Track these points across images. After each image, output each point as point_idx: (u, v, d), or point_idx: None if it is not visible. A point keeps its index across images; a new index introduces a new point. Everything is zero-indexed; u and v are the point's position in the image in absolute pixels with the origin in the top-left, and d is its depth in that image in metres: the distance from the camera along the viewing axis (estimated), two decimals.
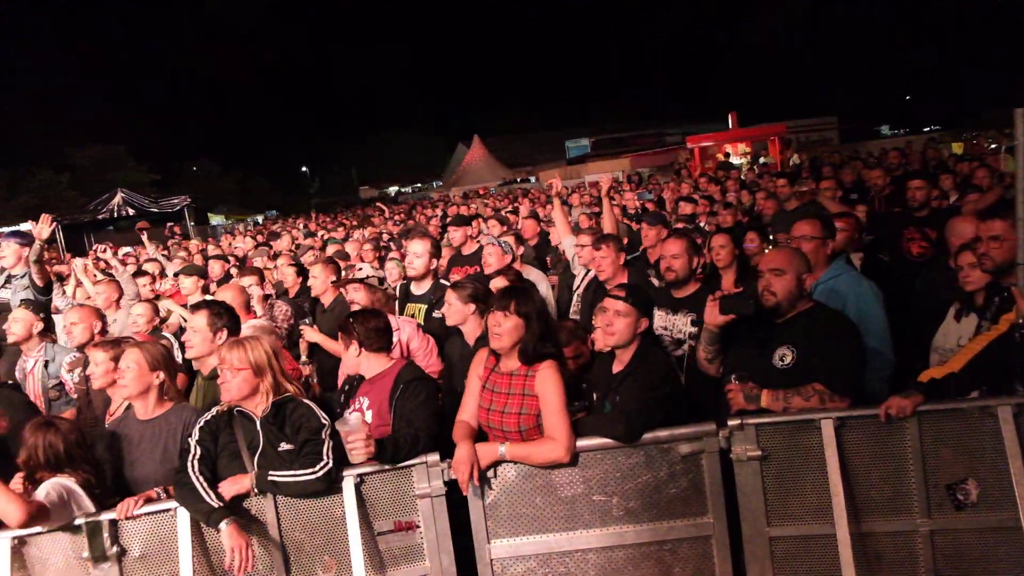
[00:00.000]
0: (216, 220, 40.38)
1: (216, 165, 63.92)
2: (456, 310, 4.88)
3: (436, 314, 5.64)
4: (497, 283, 5.61)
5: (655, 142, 45.29)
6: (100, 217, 30.93)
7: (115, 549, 3.57)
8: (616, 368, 3.91)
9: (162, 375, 4.05)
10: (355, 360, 4.14)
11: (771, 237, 6.83)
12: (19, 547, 3.49)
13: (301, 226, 23.36)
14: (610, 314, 3.87)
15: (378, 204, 35.55)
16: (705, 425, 3.71)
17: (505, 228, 9.28)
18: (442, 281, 6.06)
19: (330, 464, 3.58)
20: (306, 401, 3.76)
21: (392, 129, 79.11)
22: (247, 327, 5.15)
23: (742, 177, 18.44)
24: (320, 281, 6.47)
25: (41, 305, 6.17)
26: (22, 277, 7.09)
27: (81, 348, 5.57)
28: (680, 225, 8.26)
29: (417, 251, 5.96)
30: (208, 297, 6.41)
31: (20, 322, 5.62)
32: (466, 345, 4.91)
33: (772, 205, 9.10)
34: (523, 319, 3.68)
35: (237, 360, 3.64)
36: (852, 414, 3.61)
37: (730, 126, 34.05)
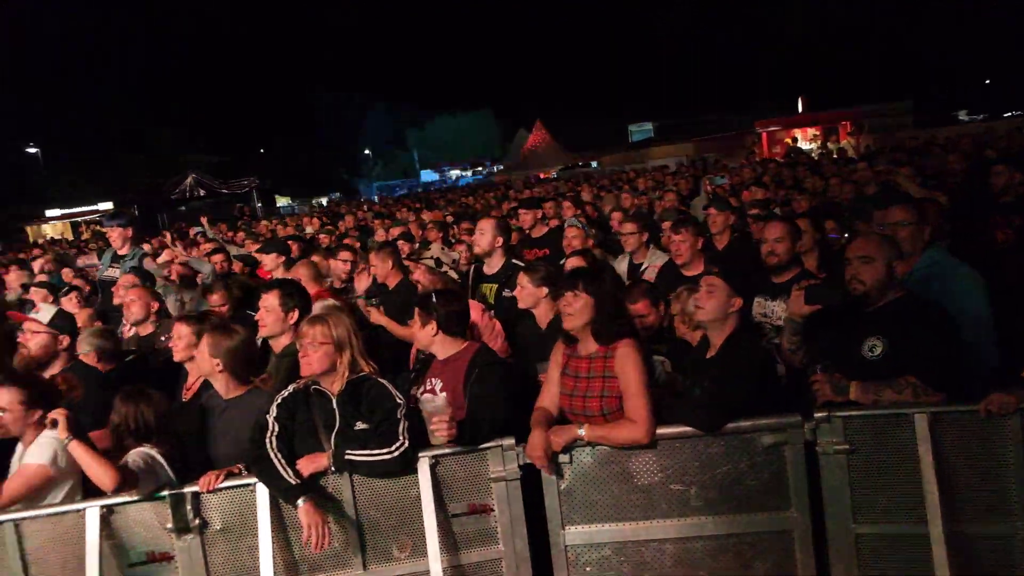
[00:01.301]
0: (282, 202, 41.19)
1: (282, 148, 65.15)
2: (528, 293, 4.82)
3: (507, 293, 5.62)
4: (571, 263, 5.55)
5: (720, 127, 44.38)
6: (173, 198, 31.84)
7: (197, 521, 3.62)
8: (709, 354, 3.80)
9: (220, 363, 4.06)
10: (429, 340, 4.11)
11: (849, 224, 6.59)
12: (107, 515, 3.57)
13: (365, 208, 23.61)
14: (702, 291, 3.77)
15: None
16: (789, 416, 3.57)
17: (578, 211, 9.18)
18: (514, 261, 6.03)
19: (406, 444, 3.57)
20: (381, 380, 3.75)
21: (453, 113, 79.25)
22: (318, 306, 5.17)
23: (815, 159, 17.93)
24: (381, 266, 6.44)
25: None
26: (131, 258, 7.36)
27: (137, 323, 5.78)
28: (753, 211, 8.04)
29: (483, 228, 5.96)
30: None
31: (140, 300, 5.88)
32: (538, 328, 4.85)
33: (850, 190, 8.79)
34: (593, 298, 3.62)
35: (321, 335, 3.63)
36: (948, 409, 3.43)
37: (799, 110, 33.17)
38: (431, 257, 5.43)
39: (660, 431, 3.57)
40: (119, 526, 3.62)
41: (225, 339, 3.98)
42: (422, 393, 3.95)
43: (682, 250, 5.53)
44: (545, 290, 4.78)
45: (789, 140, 30.07)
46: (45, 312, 4.88)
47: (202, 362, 4.03)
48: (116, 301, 6.75)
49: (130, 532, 3.63)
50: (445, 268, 5.40)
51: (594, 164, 44.16)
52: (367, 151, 77.96)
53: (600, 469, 3.69)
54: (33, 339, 4.68)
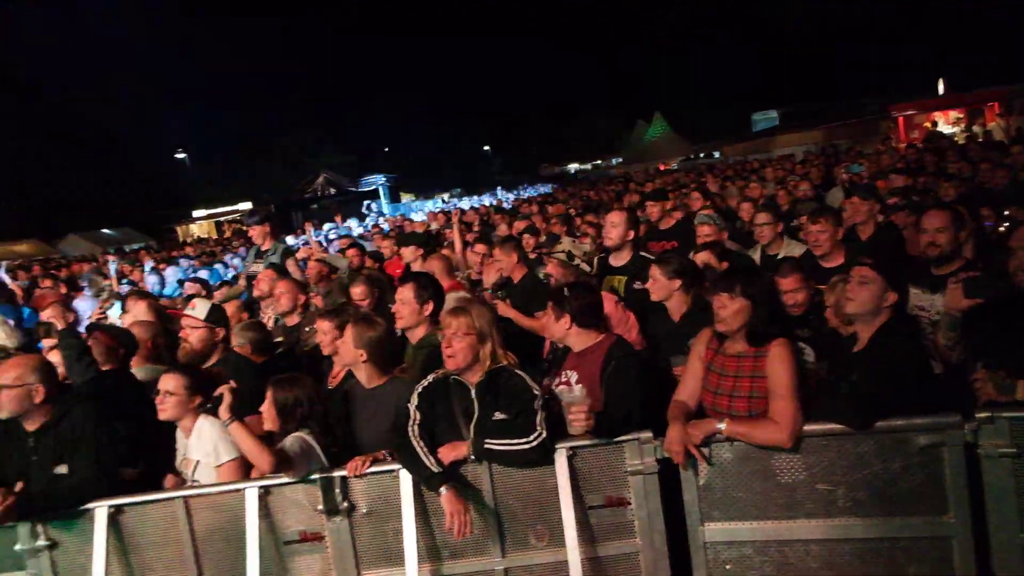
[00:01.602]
0: (407, 198, 42.31)
1: (406, 146, 66.98)
2: (661, 285, 4.75)
3: (637, 285, 5.57)
4: (702, 257, 5.42)
5: (851, 112, 42.20)
6: (306, 196, 33.31)
7: (345, 504, 3.77)
8: (857, 348, 3.63)
9: (363, 353, 4.18)
10: (563, 332, 4.11)
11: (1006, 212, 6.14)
12: (264, 496, 3.77)
13: (488, 203, 23.93)
14: (853, 282, 3.60)
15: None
16: (947, 416, 3.36)
17: (708, 202, 8.96)
18: (642, 253, 5.96)
19: (544, 435, 3.59)
20: (519, 372, 3.78)
21: (572, 106, 79.09)
22: (451, 298, 5.27)
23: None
24: (506, 260, 6.49)
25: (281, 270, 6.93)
26: (273, 253, 7.76)
27: (285, 315, 6.07)
28: (893, 200, 7.62)
29: (614, 221, 5.91)
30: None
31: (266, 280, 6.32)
32: (670, 321, 4.77)
33: (1003, 175, 8.18)
34: (749, 300, 3.51)
35: (466, 326, 3.70)
36: None
37: (940, 92, 31.08)
38: (563, 251, 5.41)
39: (806, 427, 3.43)
40: (275, 506, 3.82)
41: (369, 330, 4.12)
42: (557, 385, 3.96)
43: (821, 240, 5.31)
44: (678, 282, 4.70)
45: (928, 124, 28.27)
46: (201, 307, 5.19)
47: (346, 352, 4.18)
48: (256, 294, 7.11)
49: (285, 512, 3.82)
50: (577, 261, 5.38)
51: (716, 154, 43.01)
52: (486, 147, 78.96)
53: (741, 465, 3.59)
54: (193, 333, 4.99)
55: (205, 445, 4.03)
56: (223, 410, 3.65)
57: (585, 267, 5.39)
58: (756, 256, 6.28)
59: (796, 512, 3.56)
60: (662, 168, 36.44)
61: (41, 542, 3.85)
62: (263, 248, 8.21)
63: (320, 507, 3.77)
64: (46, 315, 6.83)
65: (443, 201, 39.12)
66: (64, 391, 3.98)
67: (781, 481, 3.56)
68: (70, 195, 55.18)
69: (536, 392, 3.70)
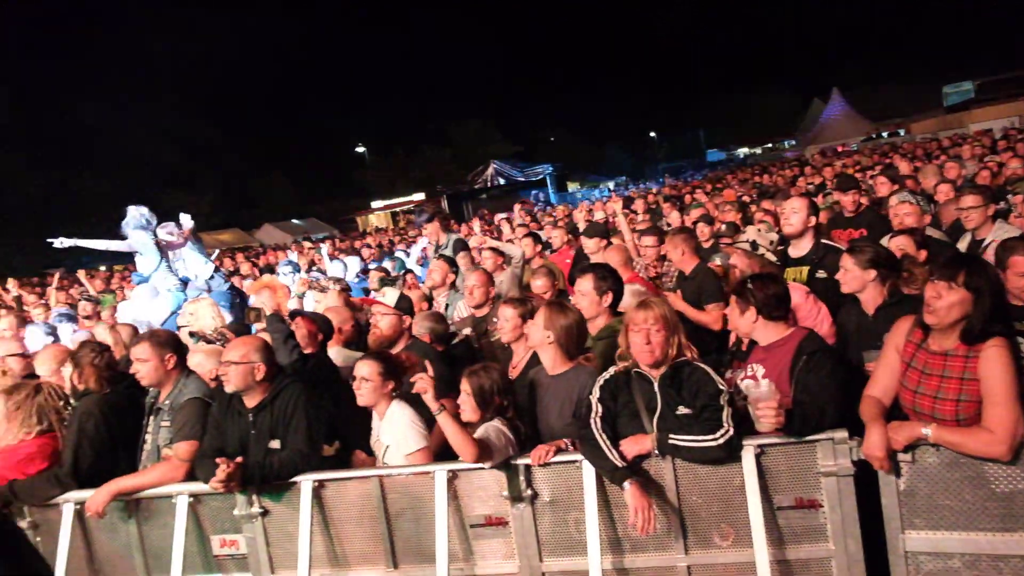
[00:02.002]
0: (573, 187, 42.44)
1: (571, 135, 67.09)
2: (854, 276, 4.45)
3: (820, 275, 5.27)
4: (899, 243, 5.05)
5: None
6: (476, 187, 34.16)
7: (529, 491, 3.82)
8: None
9: (551, 335, 4.19)
10: (749, 326, 3.96)
11: None
12: (452, 479, 3.91)
13: (655, 191, 23.51)
14: None
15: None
16: None
17: (896, 187, 8.32)
18: (825, 242, 5.62)
19: (731, 431, 3.47)
20: (703, 365, 3.68)
21: (741, 87, 76.01)
22: (629, 290, 5.21)
23: None
24: (675, 252, 6.31)
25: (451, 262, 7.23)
26: (446, 247, 8.04)
27: (478, 307, 6.16)
28: None
29: (794, 207, 5.61)
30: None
31: (438, 270, 6.66)
32: (863, 314, 4.47)
33: None
34: (973, 293, 3.15)
35: (660, 319, 3.64)
36: None
37: None
38: (747, 240, 5.21)
39: None
40: (462, 489, 3.95)
41: (561, 316, 4.15)
42: (742, 379, 3.82)
43: (972, 216, 4.74)
44: (873, 273, 4.38)
45: None
46: (390, 295, 5.45)
47: (535, 333, 4.21)
48: (429, 284, 7.36)
49: (471, 495, 3.94)
50: (762, 251, 5.16)
51: (901, 132, 39.87)
52: (652, 133, 77.59)
53: (948, 471, 3.31)
54: (383, 320, 5.25)
55: (395, 431, 4.20)
56: (430, 400, 3.75)
57: (771, 256, 5.16)
58: (963, 244, 5.75)
59: (1014, 524, 3.23)
60: (840, 150, 34.23)
61: (255, 509, 4.20)
62: (439, 243, 8.45)
63: (504, 493, 3.85)
64: (256, 300, 7.42)
65: (609, 190, 38.91)
66: (279, 372, 4.30)
67: (997, 490, 3.25)
68: (265, 188, 59.91)
69: (722, 387, 3.59)
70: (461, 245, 8.25)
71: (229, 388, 4.16)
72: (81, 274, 17.35)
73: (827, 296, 4.91)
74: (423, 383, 3.77)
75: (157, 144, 54.18)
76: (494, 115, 66.35)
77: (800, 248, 5.61)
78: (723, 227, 7.96)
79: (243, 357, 4.13)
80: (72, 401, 4.76)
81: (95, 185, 46.65)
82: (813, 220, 5.61)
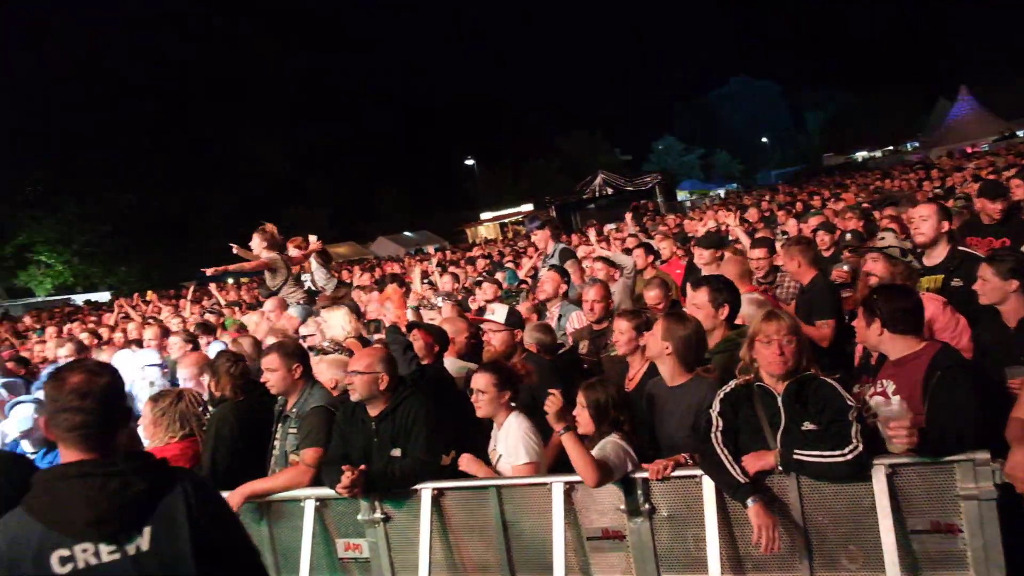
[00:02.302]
0: (682, 196, 41.74)
1: (679, 143, 66.12)
2: (994, 287, 4.17)
3: (955, 283, 4.98)
4: None
5: None
6: (584, 197, 34.11)
7: (647, 506, 3.77)
8: None
9: (670, 346, 4.12)
10: (875, 339, 3.78)
11: None
12: (570, 491, 3.90)
13: (768, 198, 22.83)
14: None
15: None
16: None
17: None
18: (962, 249, 5.31)
19: (860, 448, 3.32)
20: (829, 380, 3.54)
21: (860, 87, 72.72)
22: (746, 300, 5.07)
23: None
24: (790, 263, 6.06)
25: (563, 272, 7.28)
26: (552, 256, 8.09)
27: (597, 322, 6.12)
28: None
29: (924, 214, 5.33)
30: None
31: (550, 281, 6.71)
32: (1004, 327, 4.18)
33: None
34: None
35: (789, 330, 3.53)
36: None
37: None
38: (889, 246, 4.97)
39: None
40: (579, 501, 3.93)
41: (679, 326, 4.09)
42: (872, 396, 3.65)
43: None
44: (1015, 283, 4.10)
45: None
46: (500, 311, 5.51)
47: (653, 345, 4.16)
48: (541, 296, 7.37)
49: (588, 508, 3.92)
50: (910, 257, 4.92)
51: None
52: (764, 139, 75.42)
53: None
54: (495, 336, 5.32)
55: (509, 442, 4.25)
56: (553, 420, 3.71)
57: (916, 264, 4.90)
58: None
59: None
60: (970, 151, 32.25)
61: (377, 515, 4.32)
62: (546, 251, 8.49)
63: (622, 506, 3.81)
64: (373, 313, 7.69)
65: (719, 198, 38.06)
66: (401, 382, 4.42)
67: None
68: (379, 202, 61.95)
69: (850, 402, 3.44)
70: (568, 254, 8.26)
71: (354, 397, 4.31)
72: (212, 287, 18.44)
73: (962, 306, 4.64)
74: (554, 403, 3.71)
75: (277, 160, 56.88)
76: (602, 125, 66.19)
77: (934, 256, 5.34)
78: (848, 235, 7.61)
79: (368, 367, 4.26)
80: (209, 407, 5.07)
81: (223, 201, 49.45)
82: (945, 226, 5.33)
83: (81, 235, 42.40)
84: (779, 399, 3.56)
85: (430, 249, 35.07)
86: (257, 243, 8.77)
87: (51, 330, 14.01)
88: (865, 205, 12.92)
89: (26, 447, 4.86)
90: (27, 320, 21.74)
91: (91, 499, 2.19)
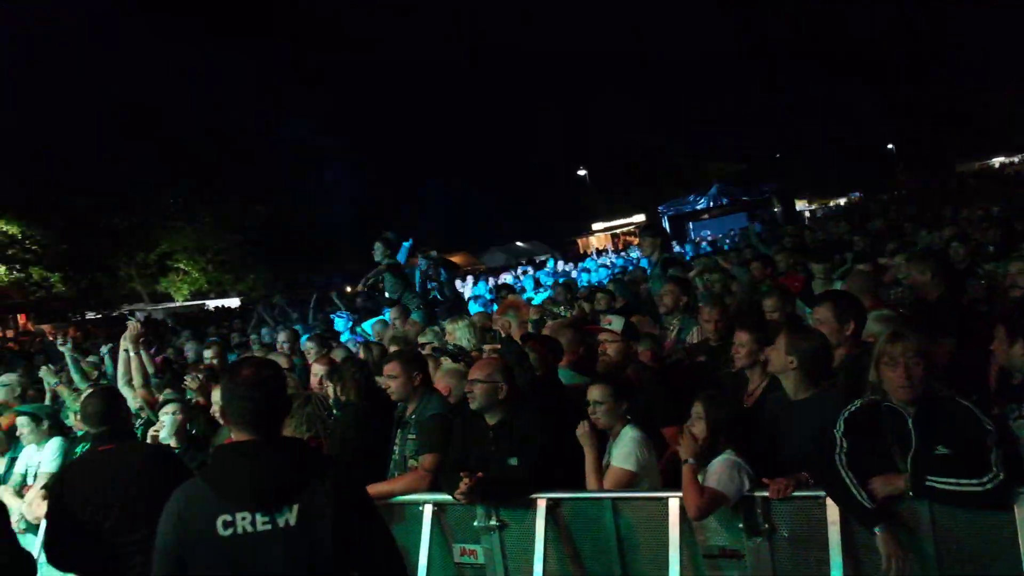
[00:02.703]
0: (801, 205, 40.26)
1: (796, 151, 63.93)
2: None
3: None
4: None
5: None
6: (699, 207, 33.50)
7: (766, 525, 3.67)
8: None
9: (795, 360, 3.99)
10: (1019, 360, 3.56)
11: None
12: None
13: (896, 207, 21.72)
14: None
15: None
16: None
17: None
18: None
19: (1002, 477, 3.12)
20: (965, 402, 3.35)
21: (995, 86, 67.90)
22: (872, 317, 4.86)
23: None
24: (923, 278, 5.69)
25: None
26: (656, 264, 8.01)
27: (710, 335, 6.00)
28: None
29: None
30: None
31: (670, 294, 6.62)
32: None
33: None
34: None
35: (915, 350, 3.37)
36: None
37: None
38: None
39: None
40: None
41: (804, 340, 3.98)
42: (1016, 419, 3.43)
43: None
44: None
45: None
46: (616, 322, 5.52)
47: (776, 359, 4.05)
48: (662, 310, 7.26)
49: (706, 525, 3.85)
50: None
51: None
52: (890, 145, 71.72)
53: None
54: (611, 347, 5.32)
55: (621, 451, 4.23)
56: (685, 449, 3.76)
57: None
58: None
59: None
60: None
61: (493, 522, 4.37)
62: (652, 259, 8.38)
63: (741, 525, 3.73)
64: (496, 324, 7.81)
65: (841, 207, 36.50)
66: (519, 392, 4.49)
67: None
68: (492, 212, 62.91)
69: (989, 427, 3.25)
70: (672, 264, 8.13)
71: (474, 405, 4.39)
72: (334, 294, 19.23)
73: None
74: (694, 439, 3.77)
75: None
76: (717, 133, 64.88)
77: None
78: (991, 248, 7.16)
79: (488, 376, 4.35)
80: (334, 411, 5.30)
81: (344, 210, 51.49)
82: None
83: (215, 244, 45.09)
84: (909, 421, 3.39)
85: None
86: (381, 251, 9.09)
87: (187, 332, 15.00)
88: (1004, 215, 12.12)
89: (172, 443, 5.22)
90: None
91: (253, 474, 2.55)
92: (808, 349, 3.95)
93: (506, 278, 19.15)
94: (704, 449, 3.77)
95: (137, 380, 6.25)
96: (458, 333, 6.64)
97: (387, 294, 9.35)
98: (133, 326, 6.61)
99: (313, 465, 2.64)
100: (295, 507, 2.53)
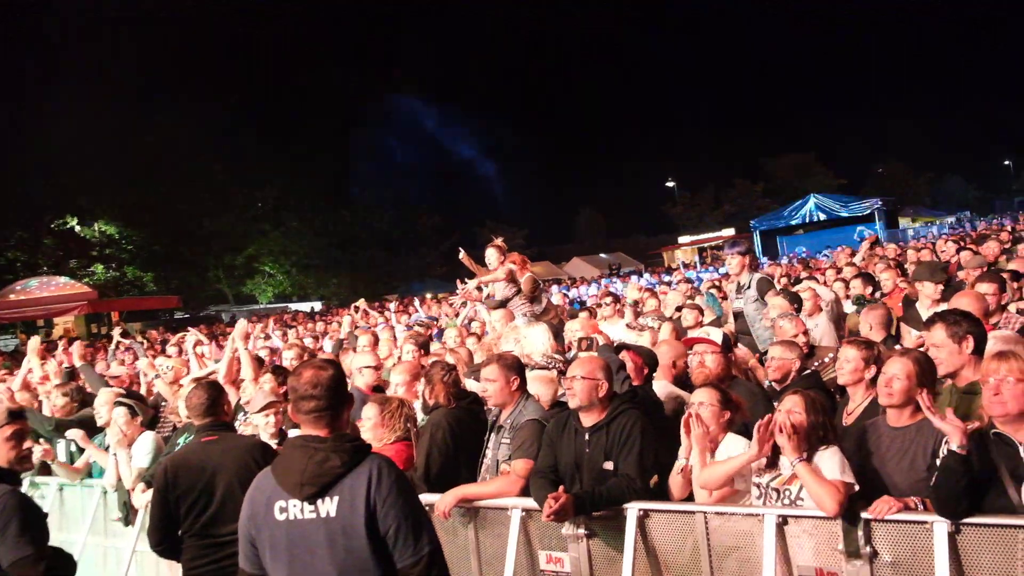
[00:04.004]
0: (904, 223, 38.83)
1: (904, 165, 61.63)
2: None
3: None
4: None
5: None
6: (793, 222, 32.75)
7: (868, 549, 3.62)
8: None
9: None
10: None
11: None
12: (782, 524, 3.85)
13: (1010, 228, 20.76)
14: None
15: None
16: None
17: None
18: None
19: None
20: None
21: None
22: (994, 337, 4.71)
23: None
24: None
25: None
26: (748, 287, 7.90)
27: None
28: None
29: None
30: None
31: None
32: None
33: None
34: None
35: (1018, 371, 3.31)
36: None
37: None
38: None
39: None
40: (791, 534, 3.86)
41: (913, 362, 3.97)
42: None
43: None
44: None
45: None
46: (715, 333, 5.52)
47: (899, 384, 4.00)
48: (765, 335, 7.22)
49: (800, 543, 3.84)
50: None
51: None
52: (1007, 162, 68.38)
53: None
54: (710, 357, 5.33)
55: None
56: (792, 451, 3.75)
57: None
58: None
59: None
60: None
61: (581, 531, 4.43)
62: (739, 280, 8.27)
63: (839, 547, 3.69)
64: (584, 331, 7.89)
65: (949, 226, 35.02)
66: (616, 396, 4.56)
67: None
68: (575, 222, 63.04)
69: None
70: (766, 284, 8.00)
71: (573, 403, 4.46)
72: (416, 300, 19.70)
73: None
74: (795, 433, 3.76)
75: (478, 179, 59.65)
76: (816, 145, 63.29)
77: None
78: None
79: (589, 373, 4.41)
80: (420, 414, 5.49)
81: (429, 219, 52.52)
82: None
83: (300, 247, 46.58)
84: (1020, 450, 3.32)
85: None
86: (495, 256, 9.31)
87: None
88: None
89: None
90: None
91: (302, 466, 2.85)
92: (915, 372, 3.92)
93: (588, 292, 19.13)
94: (803, 444, 3.77)
95: (247, 374, 6.60)
96: (532, 338, 6.67)
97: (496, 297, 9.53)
98: (242, 323, 6.98)
99: (357, 460, 2.88)
100: (335, 499, 2.82)
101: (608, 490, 4.26)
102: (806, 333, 6.27)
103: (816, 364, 5.66)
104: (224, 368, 6.81)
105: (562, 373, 5.09)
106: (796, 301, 7.41)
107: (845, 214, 31.42)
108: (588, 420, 4.46)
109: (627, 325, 7.58)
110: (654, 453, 4.35)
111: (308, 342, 13.24)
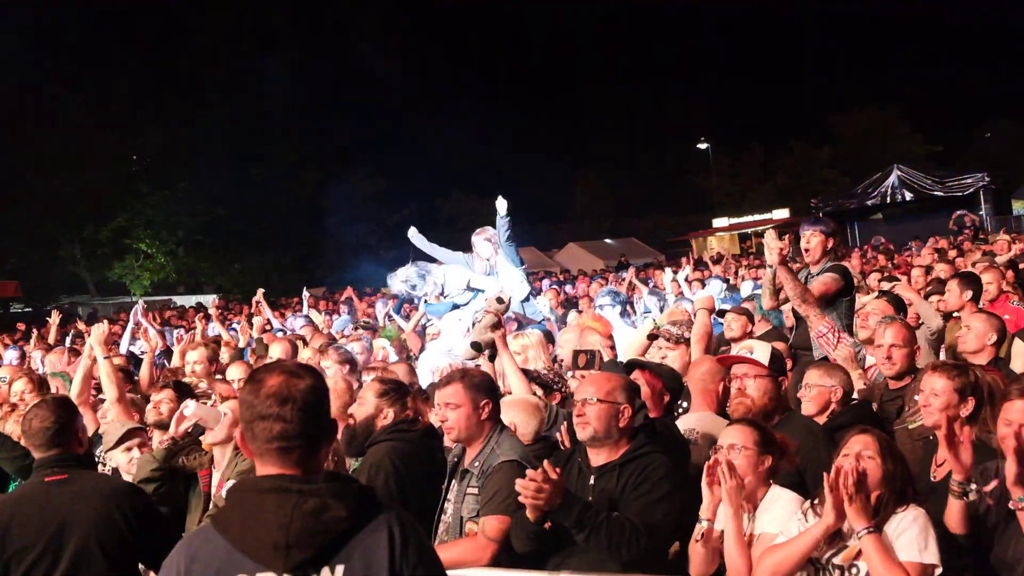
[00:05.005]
0: (1019, 207, 39.27)
1: (1019, 128, 62.25)
2: None
3: None
4: None
5: None
6: (869, 203, 32.85)
7: None
8: None
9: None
10: None
11: None
12: None
13: None
14: None
15: None
16: None
17: None
18: None
19: None
20: None
21: None
22: None
23: None
24: None
25: None
26: (822, 272, 7.94)
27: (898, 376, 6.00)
28: None
29: None
30: None
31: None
32: None
33: None
34: None
35: None
36: None
37: None
38: None
39: None
40: None
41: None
42: None
43: None
44: None
45: None
46: (760, 350, 5.53)
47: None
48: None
49: None
50: None
51: None
52: None
53: None
54: (753, 383, 5.33)
55: (775, 519, 4.16)
56: (856, 516, 3.71)
57: None
58: None
59: None
60: None
61: None
62: (812, 268, 8.28)
63: None
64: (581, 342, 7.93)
65: None
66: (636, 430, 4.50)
67: None
68: (573, 197, 63.26)
69: None
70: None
71: (584, 435, 4.39)
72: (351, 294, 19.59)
73: None
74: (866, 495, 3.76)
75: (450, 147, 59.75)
76: (901, 102, 63.73)
77: None
78: None
79: (608, 395, 4.35)
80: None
81: (371, 184, 52.51)
82: None
83: (190, 219, 45.16)
84: None
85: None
86: (489, 250, 9.51)
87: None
88: None
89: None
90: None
91: (282, 520, 2.48)
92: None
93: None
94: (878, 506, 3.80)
95: (109, 393, 6.49)
96: (527, 352, 6.66)
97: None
98: (98, 327, 6.89)
99: (367, 511, 2.59)
100: (339, 568, 2.51)
101: (609, 522, 4.13)
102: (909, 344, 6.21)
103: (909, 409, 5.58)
104: (77, 385, 6.72)
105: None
106: (900, 308, 7.40)
107: (939, 193, 31.65)
108: (598, 457, 4.43)
109: (648, 335, 7.47)
110: (678, 514, 4.32)
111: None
